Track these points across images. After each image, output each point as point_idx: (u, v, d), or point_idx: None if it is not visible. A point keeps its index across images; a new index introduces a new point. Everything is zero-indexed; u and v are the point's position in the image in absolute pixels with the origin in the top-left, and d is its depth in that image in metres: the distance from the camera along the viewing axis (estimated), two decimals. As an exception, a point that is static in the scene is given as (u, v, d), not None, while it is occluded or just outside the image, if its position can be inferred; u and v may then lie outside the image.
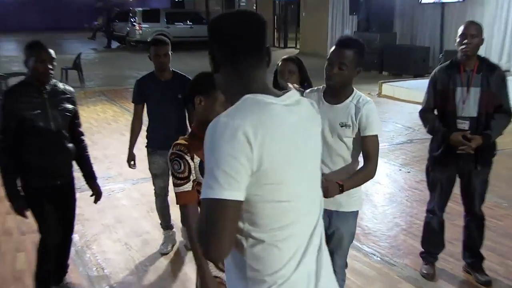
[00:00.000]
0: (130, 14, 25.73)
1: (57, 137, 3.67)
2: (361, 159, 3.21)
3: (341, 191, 2.94)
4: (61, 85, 3.80)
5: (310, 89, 3.42)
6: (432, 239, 4.30)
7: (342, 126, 3.10)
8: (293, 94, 1.74)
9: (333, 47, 3.10)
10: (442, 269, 4.35)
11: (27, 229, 5.00)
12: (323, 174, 2.28)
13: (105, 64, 20.06)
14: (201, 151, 2.20)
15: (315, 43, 22.34)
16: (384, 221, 5.31)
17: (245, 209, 1.60)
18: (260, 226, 1.62)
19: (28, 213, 3.71)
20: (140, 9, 25.73)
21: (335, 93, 3.16)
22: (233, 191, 1.53)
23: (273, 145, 1.58)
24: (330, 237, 3.22)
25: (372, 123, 3.08)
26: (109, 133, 8.15)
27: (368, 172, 3.12)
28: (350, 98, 3.14)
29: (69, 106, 3.79)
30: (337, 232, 3.26)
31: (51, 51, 3.63)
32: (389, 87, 12.44)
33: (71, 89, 3.90)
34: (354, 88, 3.20)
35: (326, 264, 1.78)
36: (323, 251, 1.78)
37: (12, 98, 3.61)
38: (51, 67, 3.60)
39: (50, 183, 3.71)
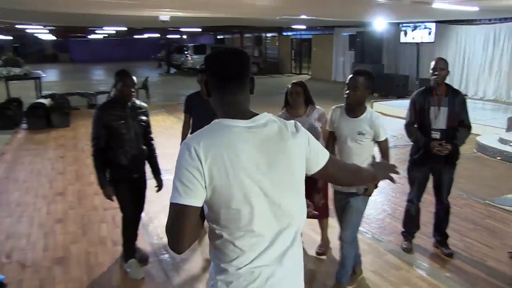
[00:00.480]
0: (184, 48, 26.02)
1: (135, 141, 3.72)
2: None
3: (376, 187, 3.32)
4: (138, 102, 3.83)
5: (335, 106, 3.49)
6: (410, 222, 4.25)
7: (359, 134, 3.26)
8: (262, 117, 1.58)
9: (350, 75, 3.24)
10: (418, 244, 4.29)
11: (108, 206, 5.10)
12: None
13: (165, 85, 20.24)
14: None
15: (322, 70, 22.25)
16: (375, 208, 5.24)
17: (210, 210, 1.54)
18: (220, 225, 1.54)
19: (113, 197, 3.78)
20: (192, 44, 25.92)
21: (353, 109, 3.30)
22: (188, 198, 1.47)
23: (225, 163, 1.48)
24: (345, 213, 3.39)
25: (382, 131, 3.29)
26: (167, 136, 8.20)
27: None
28: (365, 114, 3.28)
29: (144, 118, 3.84)
30: (349, 207, 3.34)
31: (134, 78, 3.68)
32: (379, 105, 12.36)
33: (145, 105, 3.94)
34: (367, 106, 3.34)
35: (289, 265, 1.59)
36: (289, 255, 1.59)
37: (103, 112, 3.66)
38: (133, 90, 3.66)
39: (129, 176, 3.76)
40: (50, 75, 25.24)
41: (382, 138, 3.29)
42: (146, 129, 3.88)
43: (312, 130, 3.85)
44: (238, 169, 1.49)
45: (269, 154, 1.54)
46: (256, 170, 1.52)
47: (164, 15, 10.75)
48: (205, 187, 1.49)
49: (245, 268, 1.54)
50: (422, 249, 4.24)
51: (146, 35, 30.27)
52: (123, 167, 3.69)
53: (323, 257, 4.16)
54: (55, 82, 20.92)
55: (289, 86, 3.92)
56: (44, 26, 19.80)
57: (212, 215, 1.55)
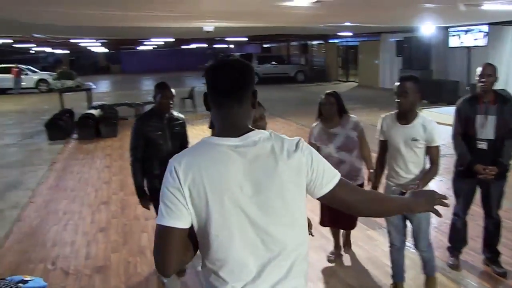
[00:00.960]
0: (231, 58, 26.26)
1: (172, 151, 3.72)
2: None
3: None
4: (175, 113, 3.87)
5: (384, 115, 3.48)
6: (456, 237, 4.01)
7: (413, 140, 3.21)
8: (254, 134, 1.45)
9: (397, 83, 3.23)
10: (465, 261, 4.04)
11: (149, 216, 5.14)
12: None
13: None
14: None
15: (369, 78, 21.79)
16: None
17: (196, 234, 1.47)
18: (203, 252, 1.48)
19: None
20: (238, 53, 26.10)
21: (405, 115, 3.26)
22: (171, 220, 1.40)
23: (204, 185, 1.39)
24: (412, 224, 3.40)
25: (436, 136, 3.23)
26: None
27: (433, 172, 3.26)
28: (417, 119, 3.24)
29: (181, 129, 3.87)
30: (414, 218, 3.32)
31: (172, 90, 3.74)
32: (428, 112, 11.94)
33: (182, 116, 3.97)
34: (418, 112, 3.29)
35: None
36: (283, 285, 1.45)
37: (141, 123, 3.73)
38: (171, 102, 3.71)
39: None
40: (102, 86, 26.32)
41: (435, 144, 3.22)
42: (182, 140, 3.90)
43: (349, 140, 3.77)
44: (219, 191, 1.40)
45: (257, 176, 1.41)
46: (240, 193, 1.40)
47: (209, 26, 10.90)
48: (188, 208, 1.41)
49: None
50: (471, 266, 3.99)
51: (193, 45, 30.86)
52: (160, 176, 3.71)
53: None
54: (106, 93, 21.73)
55: (323, 96, 3.87)
56: (97, 39, 20.72)
57: (198, 240, 1.48)
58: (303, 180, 1.48)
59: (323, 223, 4.09)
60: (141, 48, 31.93)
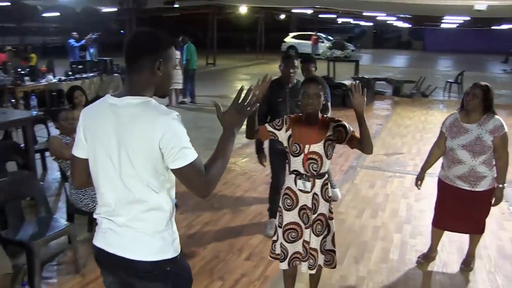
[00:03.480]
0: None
1: None
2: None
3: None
4: (299, 84, 4.02)
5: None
6: None
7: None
8: (131, 99, 1.64)
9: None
10: None
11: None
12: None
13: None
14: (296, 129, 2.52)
15: None
16: None
17: None
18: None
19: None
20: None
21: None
22: (75, 150, 1.80)
23: (87, 128, 1.74)
24: None
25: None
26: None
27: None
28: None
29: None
30: None
31: (295, 61, 3.92)
32: None
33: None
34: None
35: (122, 237, 1.72)
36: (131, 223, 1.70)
37: (268, 90, 4.05)
38: (292, 71, 3.90)
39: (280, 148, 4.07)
40: (391, 61, 26.41)
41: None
42: None
43: (478, 142, 3.29)
44: (93, 136, 1.73)
45: (117, 130, 1.65)
46: (108, 142, 1.68)
47: (481, 4, 9.68)
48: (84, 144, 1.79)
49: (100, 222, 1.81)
50: None
51: (505, 26, 27.12)
52: None
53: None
54: (387, 67, 21.44)
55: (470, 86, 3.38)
56: (396, 16, 20.71)
57: None
58: (153, 148, 1.61)
59: (440, 225, 3.60)
60: (444, 26, 30.15)
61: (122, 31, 22.69)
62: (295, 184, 2.71)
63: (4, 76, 8.89)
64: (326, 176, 2.74)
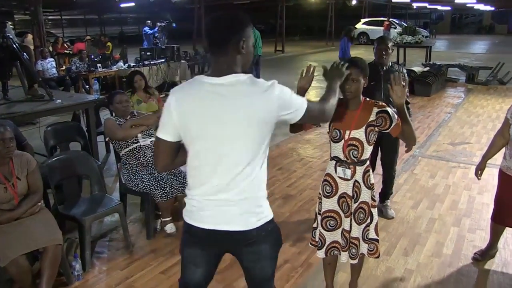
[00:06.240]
0: None
1: (384, 100, 3.67)
2: None
3: None
4: (396, 67, 3.97)
5: None
6: None
7: None
8: (233, 77, 1.67)
9: None
10: None
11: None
12: None
13: None
14: (336, 113, 2.26)
15: None
16: None
17: None
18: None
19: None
20: None
21: None
22: (161, 133, 1.77)
23: (186, 109, 1.70)
24: None
25: None
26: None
27: None
28: None
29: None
30: None
31: (389, 43, 3.91)
32: None
33: (404, 70, 4.03)
34: None
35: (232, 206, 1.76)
36: (230, 202, 1.74)
37: None
38: (384, 53, 3.86)
39: None
40: (469, 47, 24.74)
41: None
42: None
43: None
44: (198, 115, 1.70)
45: (225, 107, 1.66)
46: (214, 119, 1.68)
47: None
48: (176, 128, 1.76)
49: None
50: None
51: None
52: None
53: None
54: (464, 54, 20.17)
55: None
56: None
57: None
58: (270, 117, 1.71)
59: (501, 220, 3.31)
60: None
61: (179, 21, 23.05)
62: (335, 171, 2.60)
63: (80, 63, 9.45)
64: (368, 163, 2.59)
